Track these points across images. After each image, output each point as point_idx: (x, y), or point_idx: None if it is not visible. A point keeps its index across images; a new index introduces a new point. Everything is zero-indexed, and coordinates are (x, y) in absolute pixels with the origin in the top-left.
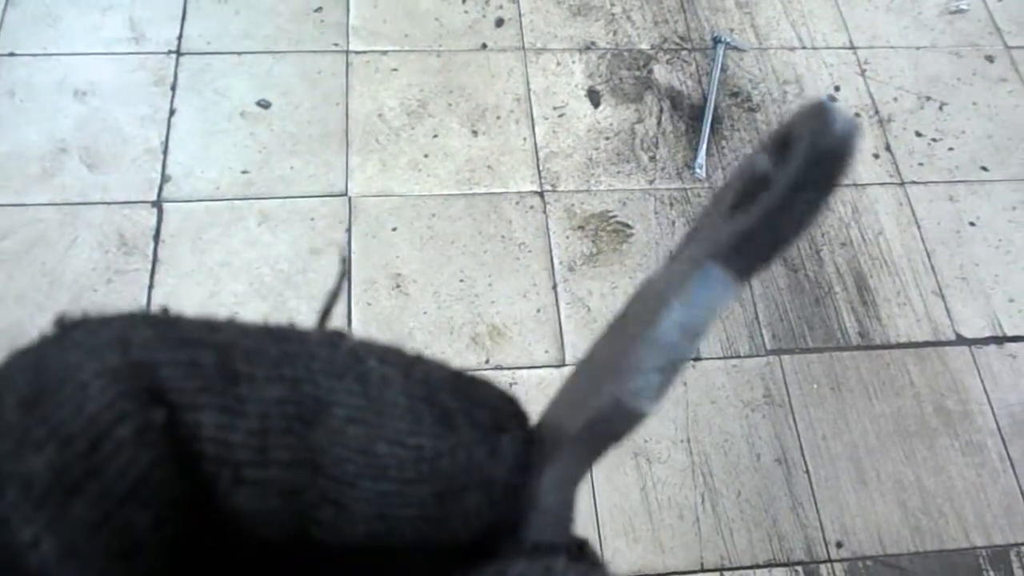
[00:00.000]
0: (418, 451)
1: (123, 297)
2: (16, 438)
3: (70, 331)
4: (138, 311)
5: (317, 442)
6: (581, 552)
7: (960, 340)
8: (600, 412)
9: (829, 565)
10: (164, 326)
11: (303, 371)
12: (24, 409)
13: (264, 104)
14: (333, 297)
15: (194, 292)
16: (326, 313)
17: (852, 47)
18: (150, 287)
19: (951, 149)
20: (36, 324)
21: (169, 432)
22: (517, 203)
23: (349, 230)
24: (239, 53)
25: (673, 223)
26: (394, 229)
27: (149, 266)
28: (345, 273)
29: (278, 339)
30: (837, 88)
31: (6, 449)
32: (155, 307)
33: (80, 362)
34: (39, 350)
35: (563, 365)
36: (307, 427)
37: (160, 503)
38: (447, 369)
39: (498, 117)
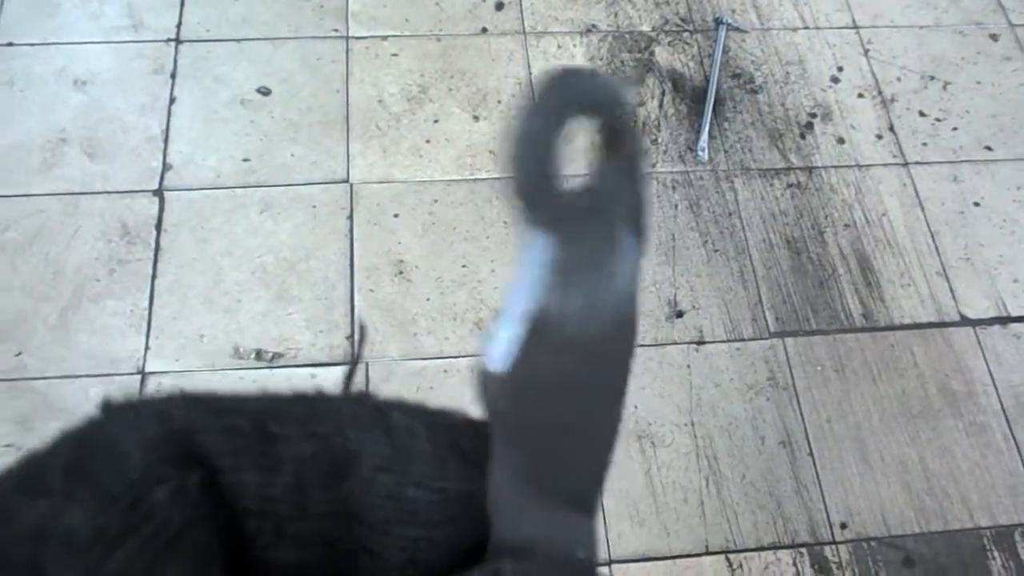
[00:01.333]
0: (443, 493)
1: (127, 287)
2: (60, 499)
3: (115, 412)
4: (175, 392)
5: (350, 491)
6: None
7: (964, 321)
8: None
9: (834, 547)
10: (200, 400)
11: (332, 426)
12: (68, 474)
13: (264, 91)
14: (355, 364)
15: (197, 281)
16: (349, 378)
17: (855, 27)
18: (153, 276)
19: (955, 129)
20: (41, 314)
21: (210, 492)
22: None
23: (351, 217)
24: (238, 40)
25: (676, 206)
26: (396, 215)
27: (152, 255)
28: (364, 339)
29: (306, 401)
30: (840, 68)
31: (50, 508)
32: (160, 295)
33: (123, 434)
34: (86, 428)
35: None
36: (340, 478)
37: (197, 557)
38: (467, 418)
39: (499, 101)
